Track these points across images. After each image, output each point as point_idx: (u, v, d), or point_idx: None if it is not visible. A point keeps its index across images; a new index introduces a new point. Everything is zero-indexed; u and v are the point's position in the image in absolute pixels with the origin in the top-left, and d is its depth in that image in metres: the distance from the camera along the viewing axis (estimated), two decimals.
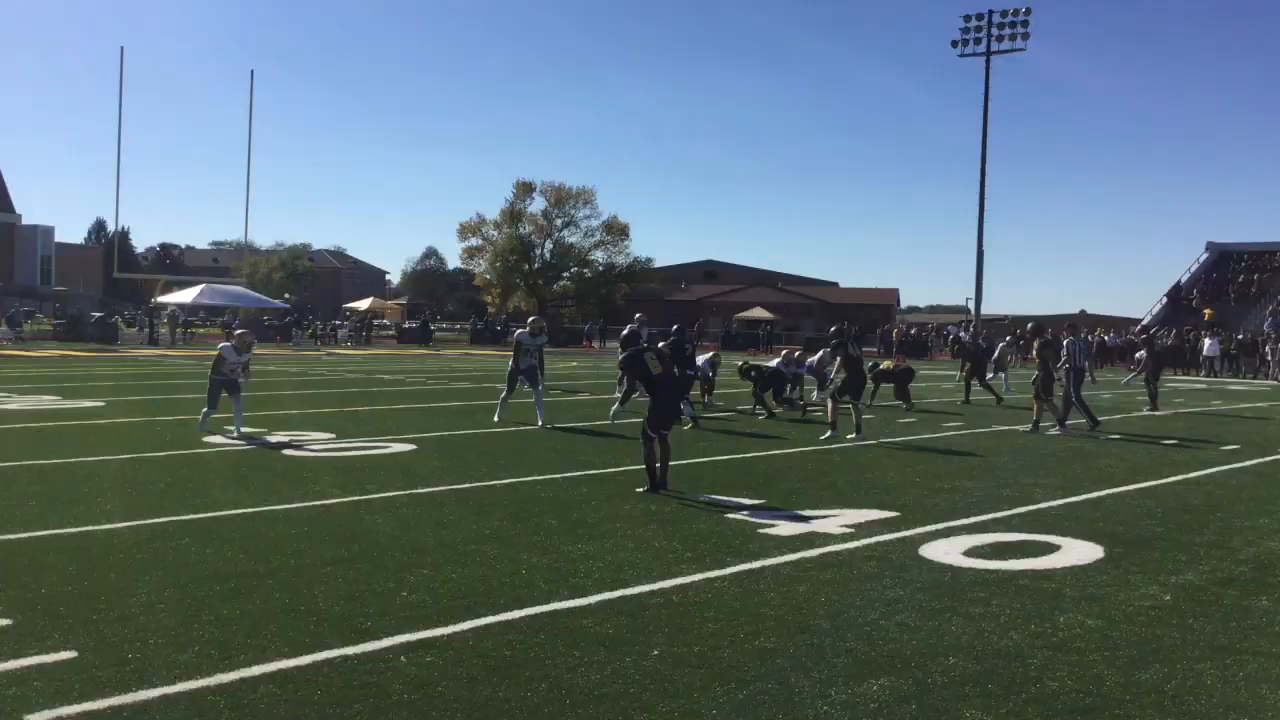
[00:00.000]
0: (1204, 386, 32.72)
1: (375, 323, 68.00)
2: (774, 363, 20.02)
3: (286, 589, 6.48)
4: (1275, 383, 36.67)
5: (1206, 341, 41.58)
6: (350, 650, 5.35)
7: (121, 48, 59.85)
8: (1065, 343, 17.80)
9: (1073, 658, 5.55)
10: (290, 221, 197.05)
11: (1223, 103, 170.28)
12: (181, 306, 54.83)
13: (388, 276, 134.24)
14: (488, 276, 76.17)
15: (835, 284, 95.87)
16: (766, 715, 4.66)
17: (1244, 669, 5.46)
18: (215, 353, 14.58)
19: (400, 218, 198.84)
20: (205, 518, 8.59)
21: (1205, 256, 62.10)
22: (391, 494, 9.86)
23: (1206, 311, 53.50)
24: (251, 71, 71.34)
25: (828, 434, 14.94)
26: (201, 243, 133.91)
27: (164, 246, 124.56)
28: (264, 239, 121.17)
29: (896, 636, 5.86)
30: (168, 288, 59.25)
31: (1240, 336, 45.13)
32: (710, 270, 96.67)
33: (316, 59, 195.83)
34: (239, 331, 15.33)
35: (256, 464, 11.62)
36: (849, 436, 14.94)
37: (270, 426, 15.03)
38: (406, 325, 66.12)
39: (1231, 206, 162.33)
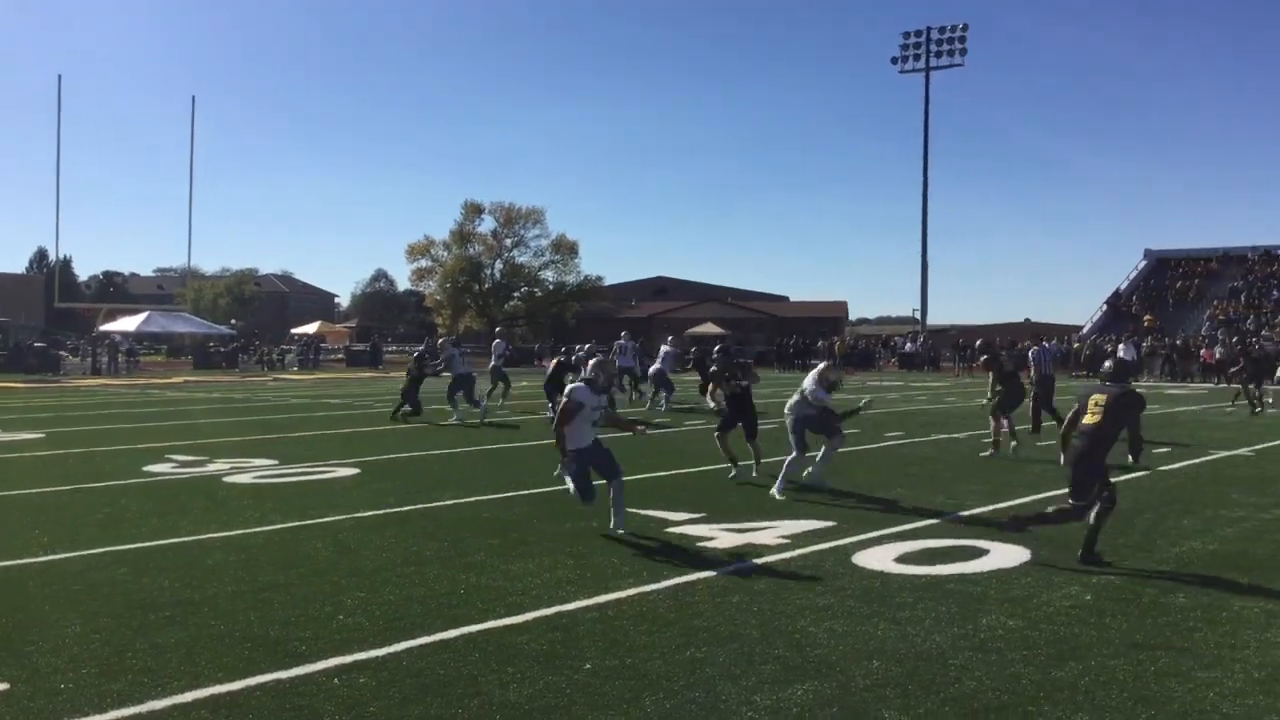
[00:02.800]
0: (1144, 390, 33.40)
1: (323, 346, 67.44)
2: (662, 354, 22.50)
3: (222, 615, 6.50)
4: (1211, 386, 37.52)
5: (1120, 347, 42.28)
6: (283, 674, 5.40)
7: (59, 75, 59.56)
8: (1031, 352, 17.95)
9: (992, 658, 5.74)
10: (236, 246, 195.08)
11: (1159, 112, 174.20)
12: (125, 334, 54.10)
13: (336, 299, 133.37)
14: (438, 297, 75.91)
15: (785, 298, 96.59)
16: None
17: (1155, 664, 5.67)
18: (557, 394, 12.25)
19: (349, 240, 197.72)
20: (143, 547, 8.57)
21: (1143, 264, 63.41)
22: (332, 519, 9.88)
23: (1146, 318, 54.60)
24: (193, 97, 71.11)
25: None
26: (145, 270, 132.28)
27: (107, 274, 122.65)
28: (209, 264, 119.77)
29: (824, 642, 6.01)
30: (111, 315, 58.45)
31: (1179, 341, 46.17)
32: (661, 287, 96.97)
33: (260, 82, 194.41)
34: (595, 360, 10.10)
35: (196, 492, 11.57)
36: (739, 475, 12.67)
37: (212, 454, 14.94)
38: (356, 348, 65.63)
39: (1169, 214, 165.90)
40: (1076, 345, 50.20)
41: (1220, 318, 52.70)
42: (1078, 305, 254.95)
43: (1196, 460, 14.73)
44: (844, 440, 12.19)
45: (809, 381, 11.95)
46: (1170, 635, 6.21)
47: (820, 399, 11.74)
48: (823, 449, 11.79)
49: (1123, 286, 61.55)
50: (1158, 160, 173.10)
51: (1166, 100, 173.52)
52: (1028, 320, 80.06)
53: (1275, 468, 13.91)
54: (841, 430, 11.98)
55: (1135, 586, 7.36)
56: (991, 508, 10.53)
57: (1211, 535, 9.20)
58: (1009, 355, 16.42)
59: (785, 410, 12.05)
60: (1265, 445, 16.71)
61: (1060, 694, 5.19)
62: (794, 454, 11.64)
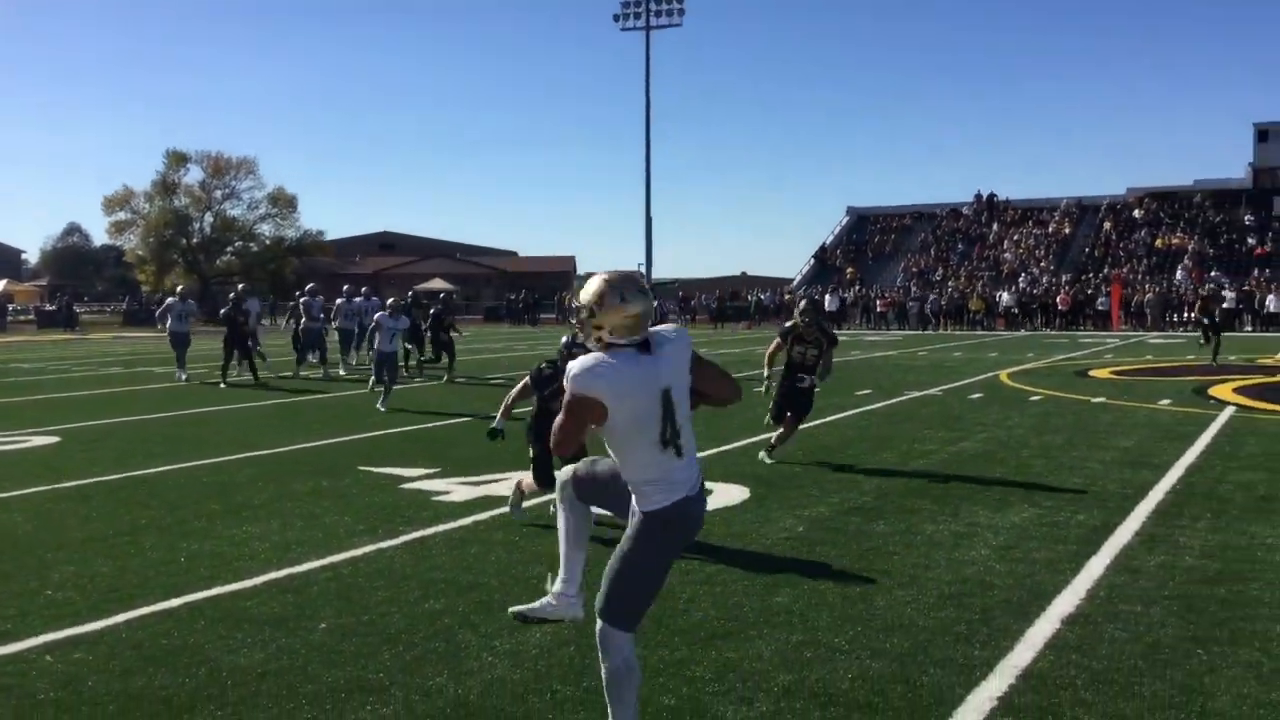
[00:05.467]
0: (846, 338, 35.83)
1: (10, 307, 61.61)
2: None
3: None
4: (906, 333, 40.78)
5: (827, 298, 45.67)
6: None
7: None
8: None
9: (717, 589, 6.09)
10: None
11: (856, 78, 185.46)
12: None
13: (24, 256, 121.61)
14: (140, 253, 70.80)
15: (514, 253, 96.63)
16: (433, 671, 4.83)
17: (860, 586, 6.20)
18: None
19: (35, 192, 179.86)
20: None
21: (846, 220, 67.69)
22: (31, 490, 9.15)
23: (849, 270, 58.44)
24: None
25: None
26: None
27: None
28: None
29: None
30: None
31: (862, 292, 49.87)
32: (386, 242, 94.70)
33: None
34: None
35: None
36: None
37: None
38: (47, 308, 60.37)
39: (868, 172, 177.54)
40: (789, 297, 53.14)
41: (914, 270, 57.16)
42: (790, 259, 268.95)
43: (894, 400, 16.02)
44: None
45: None
46: (873, 559, 6.79)
47: None
48: None
49: (828, 241, 65.48)
50: (857, 119, 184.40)
51: (863, 66, 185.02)
52: (744, 273, 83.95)
53: (962, 406, 15.36)
54: None
55: (841, 518, 7.97)
56: (715, 451, 11.07)
57: (907, 467, 10.08)
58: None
59: None
60: (952, 385, 18.39)
61: (778, 619, 5.59)
62: None
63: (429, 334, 20.87)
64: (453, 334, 20.84)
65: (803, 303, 10.83)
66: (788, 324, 10.76)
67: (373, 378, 15.80)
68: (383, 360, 15.51)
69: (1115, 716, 4.31)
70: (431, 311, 21.34)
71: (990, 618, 5.58)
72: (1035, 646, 5.13)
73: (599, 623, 3.90)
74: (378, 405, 15.04)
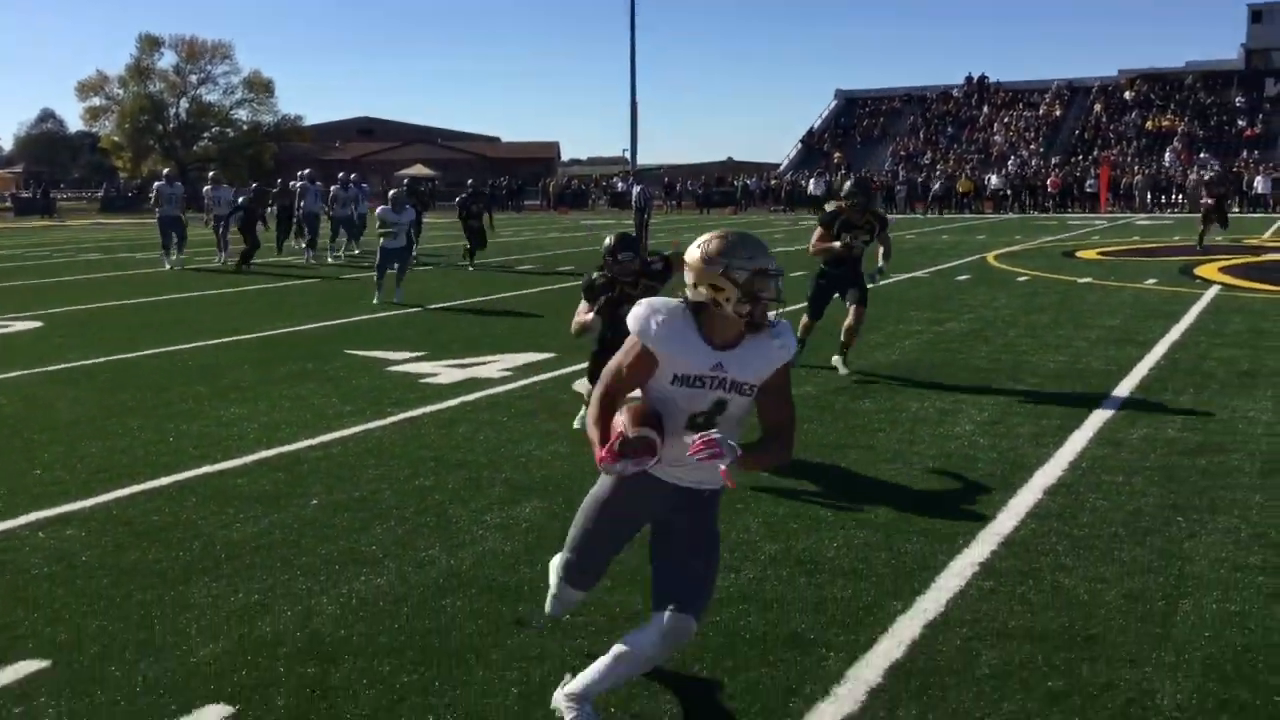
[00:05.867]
0: None
1: None
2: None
3: None
4: (894, 216, 40.56)
5: (812, 182, 45.67)
6: None
7: None
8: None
9: None
10: None
11: None
12: None
13: None
14: (115, 139, 69.53)
15: (497, 139, 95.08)
16: (425, 544, 4.88)
17: (846, 461, 6.26)
18: None
19: (8, 77, 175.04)
20: None
21: (834, 103, 66.65)
22: (15, 374, 9.11)
23: (836, 155, 57.79)
24: None
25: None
26: None
27: None
28: None
29: (549, 464, 6.22)
30: None
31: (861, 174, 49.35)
32: (366, 128, 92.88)
33: None
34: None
35: None
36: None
37: None
38: (24, 195, 59.44)
39: (857, 56, 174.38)
40: (775, 182, 52.64)
41: (901, 154, 56.59)
42: (778, 144, 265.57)
43: (881, 283, 15.93)
44: None
45: None
46: (859, 436, 6.84)
47: None
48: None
49: (816, 125, 64.56)
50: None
51: None
52: (730, 159, 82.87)
53: (949, 287, 15.34)
54: None
55: (828, 396, 8.01)
56: None
57: (893, 348, 10.11)
58: None
59: None
60: (940, 267, 18.36)
61: (764, 493, 5.64)
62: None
63: (465, 222, 19.90)
64: (486, 224, 19.66)
65: (847, 184, 9.32)
66: (829, 208, 9.07)
67: (376, 274, 14.12)
68: (389, 256, 14.03)
69: (1094, 579, 4.39)
70: (458, 199, 20.77)
71: (974, 489, 5.65)
72: (1018, 515, 5.21)
73: (690, 624, 3.17)
74: (394, 299, 13.98)
